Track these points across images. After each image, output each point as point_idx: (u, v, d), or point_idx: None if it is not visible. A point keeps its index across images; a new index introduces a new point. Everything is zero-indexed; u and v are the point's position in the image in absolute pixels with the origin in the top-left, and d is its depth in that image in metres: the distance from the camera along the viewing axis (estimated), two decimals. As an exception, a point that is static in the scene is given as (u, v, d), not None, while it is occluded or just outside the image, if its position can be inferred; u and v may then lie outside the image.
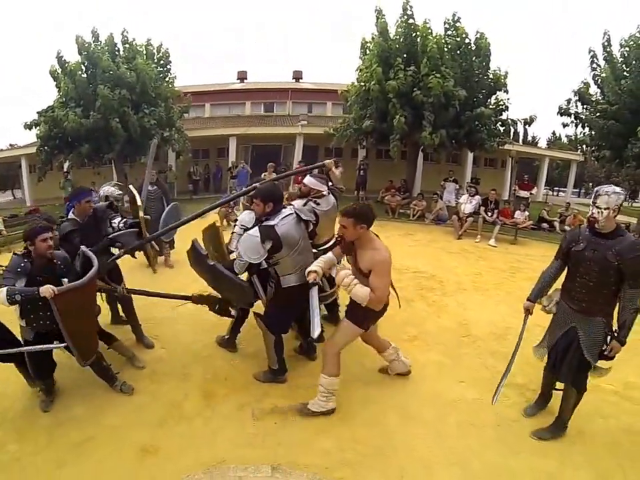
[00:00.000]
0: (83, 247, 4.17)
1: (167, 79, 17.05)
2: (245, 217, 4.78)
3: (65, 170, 16.44)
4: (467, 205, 12.16)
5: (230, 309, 4.90)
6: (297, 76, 30.04)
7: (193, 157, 21.16)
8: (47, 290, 3.39)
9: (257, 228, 3.96)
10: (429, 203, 14.37)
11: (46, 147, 15.49)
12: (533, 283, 7.80)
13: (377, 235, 3.81)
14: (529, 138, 49.91)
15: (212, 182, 21.76)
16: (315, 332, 3.37)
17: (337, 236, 4.15)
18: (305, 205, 4.60)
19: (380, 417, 4.08)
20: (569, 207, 14.32)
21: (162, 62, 16.97)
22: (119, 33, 16.01)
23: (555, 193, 36.50)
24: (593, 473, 3.52)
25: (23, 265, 3.62)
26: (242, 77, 30.21)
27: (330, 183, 5.05)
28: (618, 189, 3.40)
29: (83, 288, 3.65)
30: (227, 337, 5.10)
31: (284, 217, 4.01)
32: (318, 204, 4.74)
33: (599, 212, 3.36)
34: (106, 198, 5.76)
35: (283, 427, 3.88)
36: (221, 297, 4.75)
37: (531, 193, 14.87)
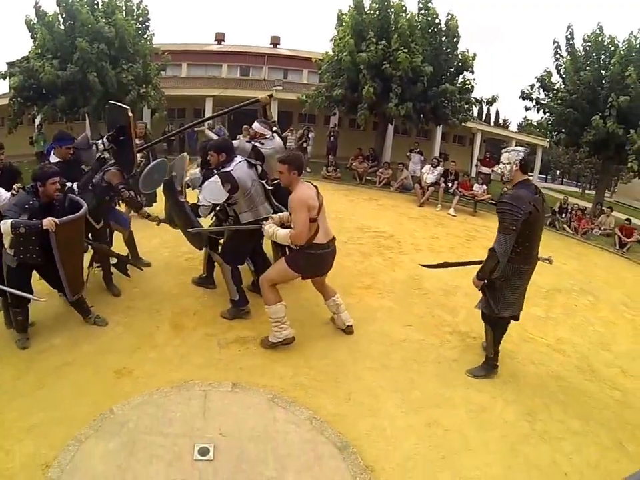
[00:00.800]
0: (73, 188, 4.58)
1: (145, 36, 16.60)
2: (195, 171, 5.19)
3: (38, 123, 15.95)
4: (429, 175, 12.41)
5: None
6: (275, 41, 29.59)
7: (169, 116, 20.67)
8: (49, 222, 3.65)
9: (216, 175, 4.33)
10: (395, 172, 14.64)
11: (19, 98, 14.88)
12: (486, 250, 8.24)
13: (313, 185, 4.15)
14: (500, 120, 50.76)
15: (187, 143, 21.16)
16: None
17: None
18: (251, 145, 5.07)
19: (332, 350, 4.35)
20: (530, 188, 14.79)
21: (141, 19, 16.48)
22: None
23: (523, 177, 37.21)
24: (522, 408, 3.87)
25: (31, 202, 3.80)
26: (220, 38, 29.52)
27: (275, 128, 5.44)
28: (518, 148, 4.08)
29: (76, 221, 3.97)
30: (204, 275, 5.40)
31: (237, 164, 4.39)
32: (262, 144, 5.14)
33: (503, 166, 3.89)
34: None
35: (244, 355, 4.15)
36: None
37: (492, 170, 15.25)
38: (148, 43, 16.53)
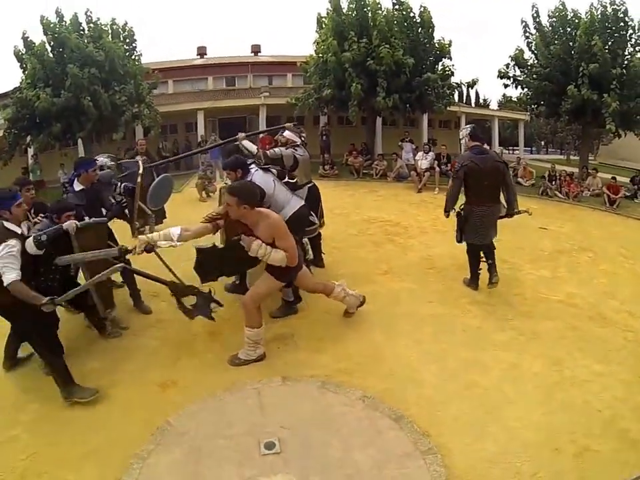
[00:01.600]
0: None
1: (133, 57, 16.67)
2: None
3: (33, 153, 15.99)
4: (423, 160, 12.64)
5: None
6: (255, 49, 29.60)
7: (161, 133, 20.77)
8: (70, 224, 3.63)
9: None
10: (389, 163, 14.90)
11: (14, 130, 14.83)
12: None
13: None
14: (481, 101, 50.84)
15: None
16: None
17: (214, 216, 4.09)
18: (287, 149, 5.33)
19: (366, 334, 4.52)
20: (519, 161, 15.12)
21: (127, 40, 16.56)
22: (83, 12, 15.51)
23: (510, 152, 37.50)
24: (548, 360, 4.12)
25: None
26: (202, 52, 29.47)
27: (304, 135, 5.80)
28: (468, 126, 5.73)
29: (97, 227, 4.02)
30: (237, 282, 5.28)
31: (253, 174, 4.52)
32: (295, 150, 5.42)
33: (462, 139, 5.48)
34: (101, 168, 5.56)
35: (285, 351, 4.23)
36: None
37: (482, 148, 15.52)
38: (137, 63, 16.61)
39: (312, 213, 5.28)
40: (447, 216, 5.60)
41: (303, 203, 4.86)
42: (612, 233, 9.13)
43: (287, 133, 5.58)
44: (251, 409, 3.40)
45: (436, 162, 12.66)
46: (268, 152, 5.28)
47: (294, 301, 4.85)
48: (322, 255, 6.06)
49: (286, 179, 5.15)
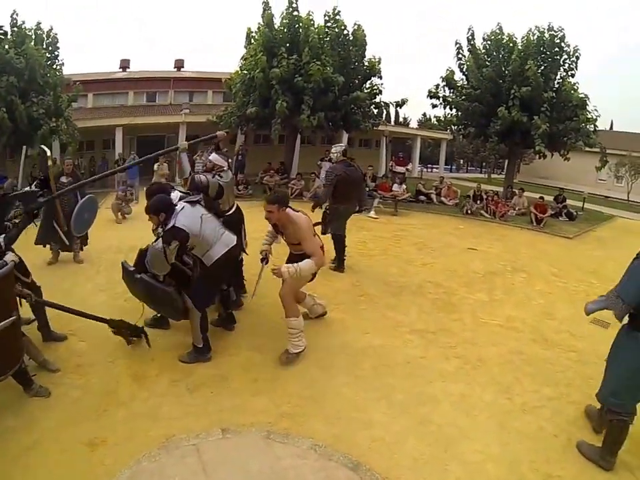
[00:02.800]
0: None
1: (55, 66, 15.83)
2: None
3: None
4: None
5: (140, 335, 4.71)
6: (179, 65, 29.28)
7: (78, 150, 19.69)
8: None
9: (159, 240, 4.15)
10: (307, 182, 15.03)
11: None
12: (418, 248, 8.65)
13: (292, 209, 4.40)
14: (401, 119, 53.12)
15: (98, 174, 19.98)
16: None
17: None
18: (212, 176, 5.16)
19: (303, 372, 4.32)
20: (442, 180, 15.82)
21: (50, 47, 15.74)
22: (8, 15, 14.58)
23: (429, 170, 39.18)
24: (497, 387, 4.17)
25: None
26: (124, 65, 28.72)
27: (229, 160, 5.68)
28: (340, 145, 7.56)
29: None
30: (158, 315, 5.05)
31: (179, 212, 4.15)
32: (221, 177, 5.24)
33: (334, 154, 7.29)
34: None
35: (218, 395, 3.92)
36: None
37: (406, 169, 16.11)
38: (58, 73, 15.77)
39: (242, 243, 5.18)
40: (313, 210, 6.84)
41: (235, 241, 4.47)
42: (541, 251, 9.60)
43: (213, 157, 5.40)
44: (192, 469, 3.08)
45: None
46: (195, 177, 5.04)
47: (203, 349, 4.47)
48: (243, 282, 5.87)
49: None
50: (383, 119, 19.22)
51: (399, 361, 4.53)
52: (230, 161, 5.69)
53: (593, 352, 4.91)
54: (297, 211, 4.44)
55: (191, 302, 4.33)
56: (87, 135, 20.27)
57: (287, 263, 4.44)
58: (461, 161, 43.60)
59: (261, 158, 18.08)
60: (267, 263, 4.68)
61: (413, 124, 47.91)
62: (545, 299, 6.62)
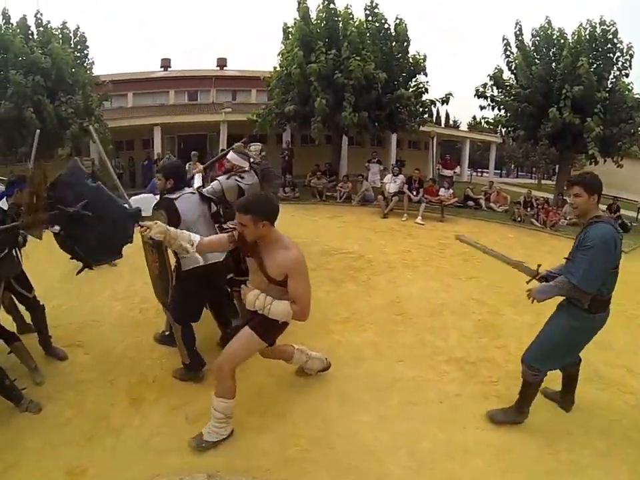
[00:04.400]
0: None
1: (84, 65, 15.79)
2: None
3: None
4: (391, 184, 12.20)
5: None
6: (222, 63, 29.30)
7: (118, 149, 19.98)
8: None
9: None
10: (354, 185, 14.38)
11: None
12: (464, 259, 7.93)
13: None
14: (451, 122, 51.99)
15: (142, 174, 19.69)
16: None
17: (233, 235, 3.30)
18: (228, 178, 4.54)
19: (319, 405, 3.80)
20: (492, 185, 14.87)
21: (79, 46, 15.69)
22: (32, 15, 14.62)
23: (479, 174, 37.94)
24: (541, 440, 3.47)
25: None
26: (165, 64, 29.14)
27: (252, 160, 4.91)
28: (258, 144, 5.68)
29: None
30: (166, 332, 4.63)
31: (185, 194, 3.91)
32: (242, 177, 4.65)
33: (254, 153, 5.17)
34: None
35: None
36: None
37: (454, 172, 15.31)
38: (87, 72, 15.72)
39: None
40: None
41: (219, 259, 3.94)
42: None
43: (231, 156, 4.77)
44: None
45: (406, 186, 12.18)
46: (204, 190, 4.40)
47: (192, 365, 4.03)
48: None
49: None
50: (432, 119, 18.23)
51: (431, 399, 3.93)
52: (257, 158, 5.03)
53: None
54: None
55: (170, 313, 4.07)
56: (126, 134, 20.66)
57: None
58: (512, 165, 41.95)
59: (309, 159, 17.47)
60: None
61: (463, 127, 46.42)
62: None
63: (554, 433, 3.57)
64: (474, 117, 39.78)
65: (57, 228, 3.53)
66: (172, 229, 3.16)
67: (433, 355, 4.66)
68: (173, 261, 4.14)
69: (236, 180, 4.55)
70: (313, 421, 3.61)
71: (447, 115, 53.44)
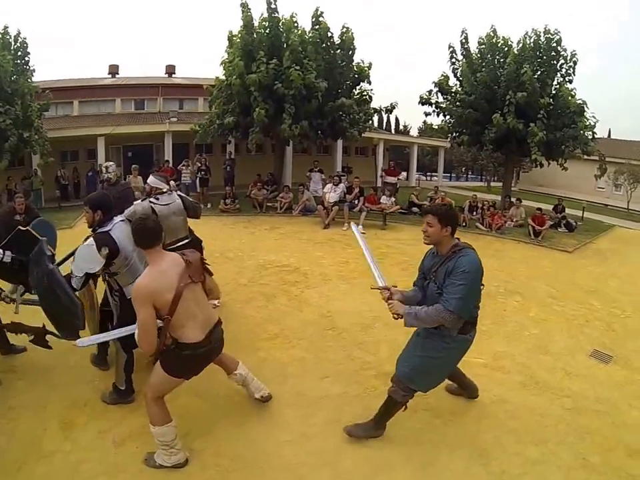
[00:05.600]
0: None
1: (25, 73, 15.12)
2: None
3: None
4: (332, 193, 12.10)
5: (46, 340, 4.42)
6: (170, 71, 28.85)
7: (62, 160, 19.44)
8: None
9: (91, 238, 3.73)
10: (296, 195, 14.27)
11: None
12: (402, 268, 7.96)
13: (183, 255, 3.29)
14: (401, 127, 52.96)
15: (86, 186, 19.26)
16: (82, 342, 3.59)
17: None
18: (143, 201, 4.67)
19: (242, 426, 3.73)
20: (437, 190, 15.10)
21: (19, 53, 15.04)
22: None
23: (428, 178, 38.63)
24: (471, 450, 3.48)
25: None
26: (113, 71, 28.41)
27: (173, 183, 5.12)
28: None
29: None
30: (96, 353, 4.64)
31: (117, 223, 3.87)
32: (157, 199, 4.79)
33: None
34: None
35: (144, 451, 3.46)
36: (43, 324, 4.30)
37: (398, 179, 15.44)
38: (28, 80, 15.04)
39: None
40: None
41: None
42: (539, 268, 8.92)
43: (150, 180, 5.02)
44: None
45: (347, 195, 12.15)
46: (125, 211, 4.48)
47: (125, 392, 4.05)
48: None
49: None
50: (376, 125, 18.50)
51: (356, 415, 3.82)
52: (172, 183, 5.15)
53: (591, 396, 4.34)
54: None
55: (118, 342, 3.97)
56: (71, 144, 20.08)
57: None
58: (463, 169, 43.02)
59: (254, 169, 17.23)
60: None
61: (414, 132, 47.41)
62: (539, 327, 5.93)
63: (485, 442, 3.56)
64: (424, 122, 40.78)
65: None
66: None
67: (361, 370, 4.59)
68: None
69: (150, 202, 4.63)
70: (237, 441, 3.56)
71: (397, 121, 54.54)
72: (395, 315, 3.36)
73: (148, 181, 5.04)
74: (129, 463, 3.36)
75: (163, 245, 4.11)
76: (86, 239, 3.81)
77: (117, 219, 3.93)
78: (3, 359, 4.74)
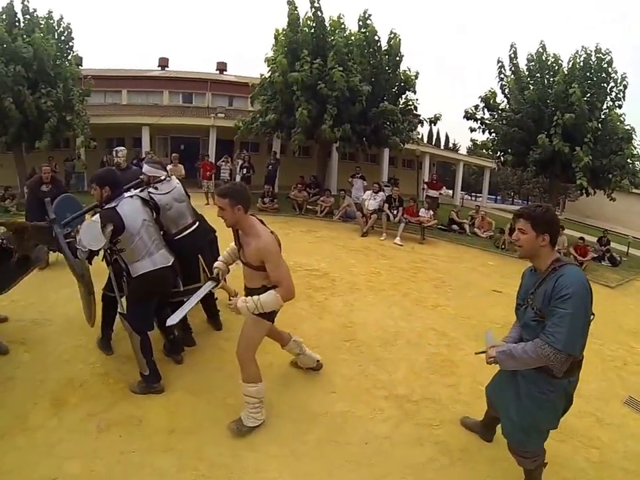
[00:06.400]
0: None
1: (67, 57, 15.39)
2: None
3: None
4: (371, 201, 11.71)
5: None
6: (221, 67, 29.15)
7: (107, 146, 19.56)
8: None
9: (97, 214, 3.68)
10: (338, 200, 13.95)
11: None
12: (435, 285, 7.51)
13: (261, 221, 3.44)
14: (450, 144, 52.19)
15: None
16: (172, 320, 3.33)
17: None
18: (142, 191, 4.30)
19: (230, 432, 3.45)
20: (478, 210, 14.50)
21: (63, 38, 15.27)
22: (20, 1, 14.24)
23: (473, 198, 37.72)
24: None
25: None
26: (163, 64, 28.94)
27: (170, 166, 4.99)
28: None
29: None
30: (100, 336, 4.56)
31: (125, 199, 3.80)
32: (157, 188, 4.45)
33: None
34: None
35: (124, 441, 3.31)
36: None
37: (440, 193, 14.89)
38: (70, 65, 15.31)
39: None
40: None
41: (168, 263, 3.92)
42: None
43: (145, 169, 4.66)
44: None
45: (386, 205, 11.72)
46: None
47: (150, 376, 3.89)
48: (217, 312, 5.12)
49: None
50: (426, 140, 18.01)
51: (355, 439, 3.47)
52: (170, 167, 4.90)
53: (620, 450, 3.79)
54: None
55: (127, 323, 3.93)
56: (117, 131, 20.37)
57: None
58: (510, 192, 41.82)
59: (299, 170, 16.97)
60: (216, 285, 3.67)
61: (463, 150, 46.33)
62: None
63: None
64: (471, 139, 39.94)
65: None
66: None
67: (372, 389, 4.19)
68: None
69: (149, 192, 4.35)
70: (221, 447, 3.32)
71: (447, 138, 53.69)
72: (489, 360, 2.86)
73: (143, 170, 4.72)
74: (107, 450, 3.22)
75: (168, 234, 4.34)
76: (94, 215, 3.78)
77: (127, 194, 3.87)
78: (18, 329, 4.74)
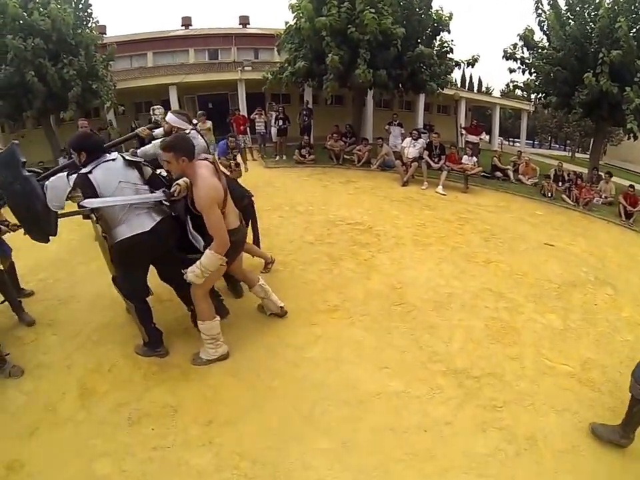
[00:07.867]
0: None
1: (87, 25, 14.81)
2: None
3: None
4: (410, 148, 10.91)
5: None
6: (244, 21, 27.91)
7: (137, 111, 19.18)
8: None
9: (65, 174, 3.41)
10: (375, 148, 13.21)
11: None
12: (484, 237, 6.90)
13: (216, 167, 3.38)
14: (483, 88, 49.70)
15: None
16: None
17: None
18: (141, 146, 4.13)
19: (274, 420, 3.05)
20: (520, 155, 13.57)
21: (80, 6, 14.61)
22: None
23: (510, 143, 35.98)
24: None
25: None
26: (186, 23, 27.92)
27: (195, 121, 4.67)
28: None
29: None
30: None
31: (102, 162, 3.40)
32: None
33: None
34: None
35: (158, 435, 2.97)
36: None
37: (480, 138, 13.92)
38: (91, 32, 14.77)
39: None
40: None
41: (147, 228, 3.35)
42: (631, 257, 7.38)
43: (169, 118, 4.29)
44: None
45: (426, 152, 10.89)
46: (138, 150, 4.07)
47: (151, 343, 3.72)
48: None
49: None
50: (458, 83, 16.69)
51: (413, 425, 3.06)
52: (196, 122, 4.63)
53: None
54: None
55: (119, 291, 3.81)
56: (144, 95, 19.50)
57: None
58: (549, 136, 39.50)
59: (334, 120, 16.00)
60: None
61: (496, 94, 43.82)
62: (634, 334, 4.64)
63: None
64: (507, 85, 37.54)
65: None
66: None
67: (429, 363, 3.74)
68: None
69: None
70: (263, 439, 2.94)
71: (480, 82, 51.06)
72: None
73: (167, 118, 4.34)
74: (139, 445, 2.91)
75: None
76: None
77: (106, 157, 3.45)
78: (45, 310, 4.50)
